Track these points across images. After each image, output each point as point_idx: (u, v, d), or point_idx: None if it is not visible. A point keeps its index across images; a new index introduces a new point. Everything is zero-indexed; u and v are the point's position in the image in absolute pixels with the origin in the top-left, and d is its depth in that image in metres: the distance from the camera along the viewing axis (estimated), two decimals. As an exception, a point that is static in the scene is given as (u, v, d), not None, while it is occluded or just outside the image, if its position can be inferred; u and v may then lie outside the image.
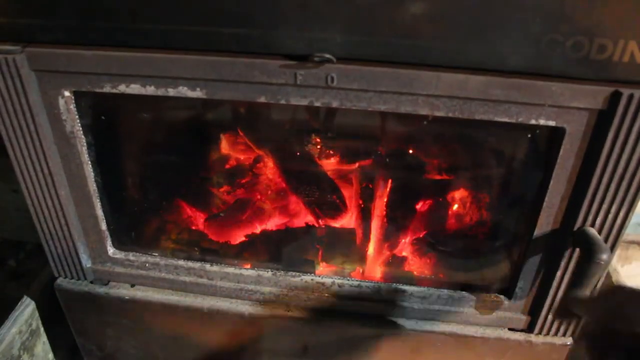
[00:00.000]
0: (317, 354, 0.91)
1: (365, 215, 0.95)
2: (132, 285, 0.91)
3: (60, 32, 0.65)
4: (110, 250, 0.86)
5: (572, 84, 0.60)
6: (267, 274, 0.86)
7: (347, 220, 0.98)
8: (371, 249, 0.94)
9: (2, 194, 1.21)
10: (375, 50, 0.61)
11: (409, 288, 0.83)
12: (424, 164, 0.97)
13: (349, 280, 0.84)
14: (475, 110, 0.64)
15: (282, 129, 0.99)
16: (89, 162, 0.77)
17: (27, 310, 0.92)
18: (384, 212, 0.94)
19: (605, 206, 0.68)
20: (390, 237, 0.94)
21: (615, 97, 0.60)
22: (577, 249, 0.72)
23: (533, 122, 0.64)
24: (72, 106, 0.72)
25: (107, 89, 0.69)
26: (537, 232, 0.73)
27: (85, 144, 0.75)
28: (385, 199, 0.95)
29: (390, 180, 0.96)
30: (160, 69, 0.66)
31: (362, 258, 0.93)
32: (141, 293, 0.89)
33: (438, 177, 0.96)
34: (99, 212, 0.82)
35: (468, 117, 0.65)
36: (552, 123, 0.64)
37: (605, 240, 0.71)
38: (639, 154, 0.64)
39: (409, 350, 0.88)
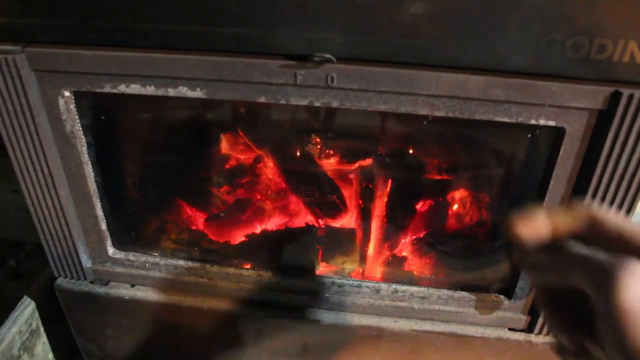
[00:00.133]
0: (316, 353, 0.91)
1: (365, 215, 0.95)
2: (132, 285, 0.91)
3: (60, 32, 0.65)
4: (110, 250, 0.86)
5: (572, 84, 0.60)
6: (267, 274, 0.86)
7: (347, 220, 0.98)
8: (371, 248, 0.94)
9: (2, 194, 1.21)
10: (375, 50, 0.61)
11: (409, 288, 0.83)
12: (424, 164, 0.97)
13: (348, 280, 0.84)
14: (475, 110, 0.64)
15: (282, 129, 0.99)
16: (89, 162, 0.77)
17: (27, 310, 0.92)
18: (384, 212, 0.94)
19: (605, 206, 0.68)
20: (390, 237, 0.94)
21: (615, 97, 0.60)
22: (577, 249, 0.72)
23: (533, 122, 0.64)
24: (72, 106, 0.72)
25: (107, 89, 0.69)
26: (537, 232, 0.73)
27: (85, 144, 0.75)
28: (385, 199, 0.95)
29: (390, 180, 0.96)
30: (160, 69, 0.66)
31: (362, 258, 0.93)
32: (141, 293, 0.89)
33: (438, 177, 0.96)
34: (99, 212, 0.82)
35: (468, 117, 0.65)
36: (552, 123, 0.64)
37: (606, 240, 0.71)
38: (639, 154, 0.64)
39: (409, 350, 0.88)
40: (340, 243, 0.94)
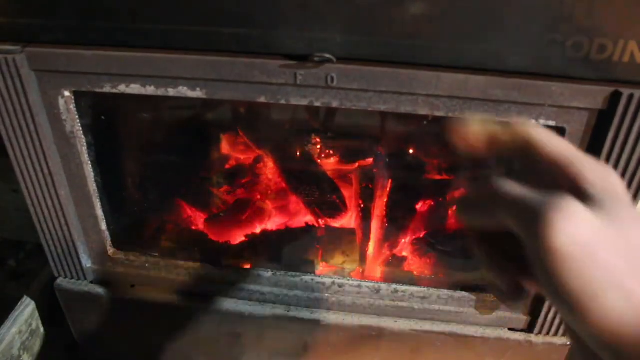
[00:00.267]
0: (316, 353, 0.91)
1: (365, 215, 0.95)
2: (132, 285, 0.91)
3: (60, 32, 0.65)
4: (110, 250, 0.86)
5: (572, 84, 0.60)
6: (267, 274, 0.86)
7: (347, 220, 0.98)
8: (371, 248, 0.94)
9: (2, 194, 1.21)
10: (375, 50, 0.61)
11: (409, 288, 0.83)
12: (424, 164, 0.97)
13: (348, 280, 0.84)
14: (475, 110, 0.64)
15: (282, 129, 0.99)
16: (89, 162, 0.77)
17: (27, 310, 0.92)
18: (384, 212, 0.94)
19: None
20: (390, 237, 0.94)
21: (615, 97, 0.60)
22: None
23: (533, 122, 0.64)
24: (72, 106, 0.72)
25: (107, 89, 0.69)
26: (537, 232, 0.73)
27: (85, 144, 0.75)
28: (385, 199, 0.95)
29: (390, 180, 0.96)
30: (160, 69, 0.66)
31: (362, 258, 0.93)
32: (141, 293, 0.89)
33: (438, 177, 0.96)
34: (99, 212, 0.82)
35: (468, 117, 0.65)
36: (552, 123, 0.64)
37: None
38: (639, 154, 0.64)
39: (409, 350, 0.88)
40: (340, 243, 0.94)
